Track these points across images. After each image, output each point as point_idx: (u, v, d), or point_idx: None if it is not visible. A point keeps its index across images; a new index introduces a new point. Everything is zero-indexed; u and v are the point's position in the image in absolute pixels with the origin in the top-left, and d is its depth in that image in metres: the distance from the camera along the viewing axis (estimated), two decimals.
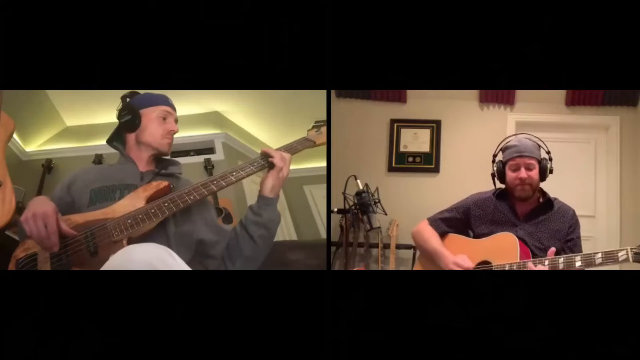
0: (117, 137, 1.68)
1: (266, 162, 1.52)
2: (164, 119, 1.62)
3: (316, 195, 4.75)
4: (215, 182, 1.44)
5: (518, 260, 1.58)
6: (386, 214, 2.71)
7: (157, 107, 1.62)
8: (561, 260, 1.50)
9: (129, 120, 1.59)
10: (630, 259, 1.38)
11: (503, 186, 1.80)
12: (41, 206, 1.28)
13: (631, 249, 1.38)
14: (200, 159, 3.90)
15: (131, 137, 1.62)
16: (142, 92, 1.68)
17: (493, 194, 1.81)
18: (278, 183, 1.49)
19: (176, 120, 1.67)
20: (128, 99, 1.64)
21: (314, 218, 4.68)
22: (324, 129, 1.69)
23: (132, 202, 1.40)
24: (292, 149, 1.58)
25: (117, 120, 1.64)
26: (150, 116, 1.60)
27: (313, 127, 1.70)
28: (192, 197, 1.40)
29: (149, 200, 1.41)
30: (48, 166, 3.74)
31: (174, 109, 1.68)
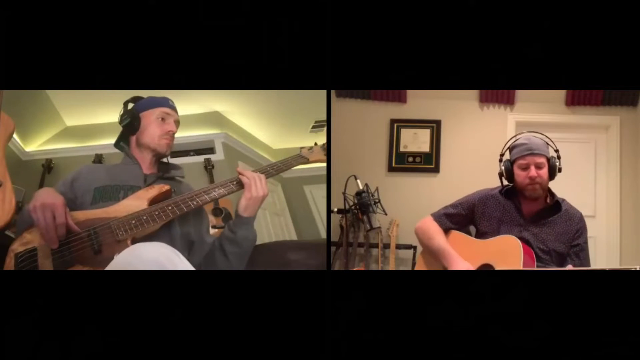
0: (123, 139, 1.72)
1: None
2: (163, 119, 1.65)
3: (316, 195, 4.74)
4: (216, 190, 1.50)
5: (521, 267, 1.55)
6: (386, 214, 2.71)
7: (156, 109, 1.65)
8: None
9: (129, 123, 1.64)
10: None
11: (510, 184, 1.77)
12: (50, 197, 1.27)
13: None
14: (200, 159, 3.90)
15: (133, 140, 1.66)
16: (144, 97, 1.72)
17: (500, 192, 1.78)
18: (252, 203, 1.50)
19: (177, 121, 1.69)
20: (130, 104, 1.69)
21: (314, 218, 4.68)
22: (316, 148, 1.78)
23: (134, 203, 1.41)
24: (287, 164, 1.64)
25: (117, 122, 1.66)
26: (149, 118, 1.64)
27: (316, 136, 1.75)
28: (195, 203, 1.44)
29: (152, 202, 1.43)
30: (48, 166, 3.74)
31: (175, 110, 1.70)
